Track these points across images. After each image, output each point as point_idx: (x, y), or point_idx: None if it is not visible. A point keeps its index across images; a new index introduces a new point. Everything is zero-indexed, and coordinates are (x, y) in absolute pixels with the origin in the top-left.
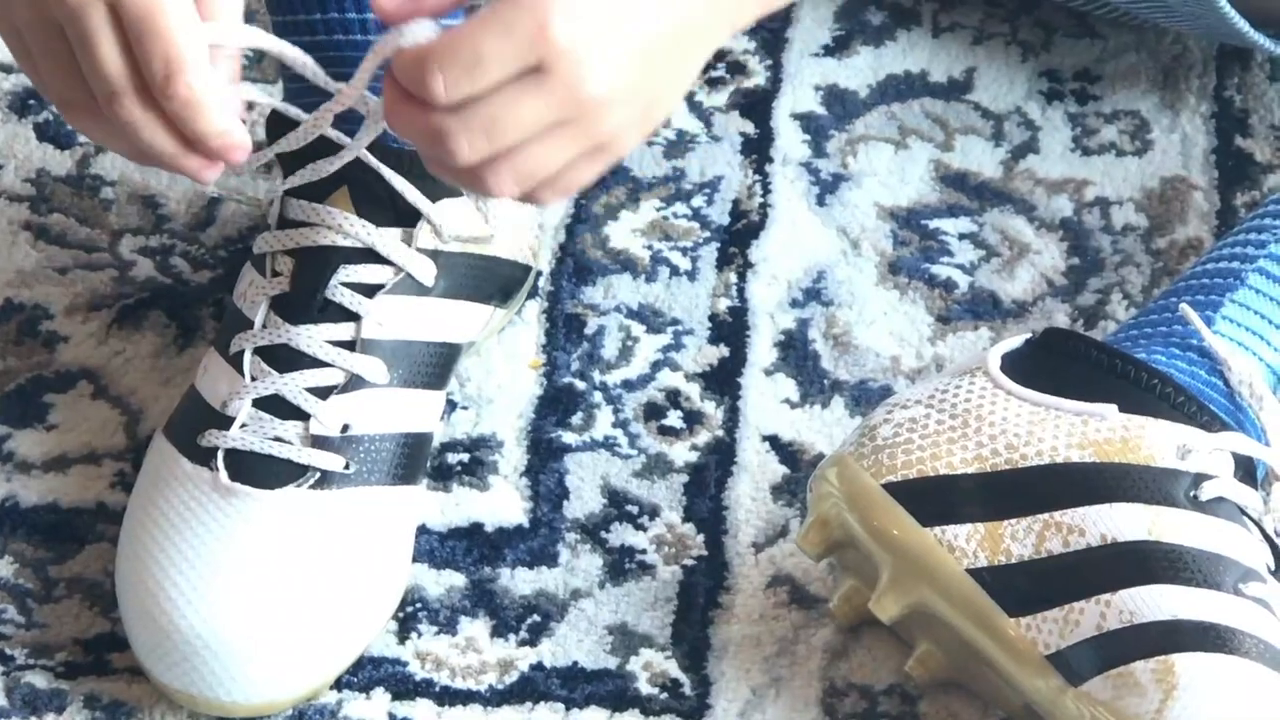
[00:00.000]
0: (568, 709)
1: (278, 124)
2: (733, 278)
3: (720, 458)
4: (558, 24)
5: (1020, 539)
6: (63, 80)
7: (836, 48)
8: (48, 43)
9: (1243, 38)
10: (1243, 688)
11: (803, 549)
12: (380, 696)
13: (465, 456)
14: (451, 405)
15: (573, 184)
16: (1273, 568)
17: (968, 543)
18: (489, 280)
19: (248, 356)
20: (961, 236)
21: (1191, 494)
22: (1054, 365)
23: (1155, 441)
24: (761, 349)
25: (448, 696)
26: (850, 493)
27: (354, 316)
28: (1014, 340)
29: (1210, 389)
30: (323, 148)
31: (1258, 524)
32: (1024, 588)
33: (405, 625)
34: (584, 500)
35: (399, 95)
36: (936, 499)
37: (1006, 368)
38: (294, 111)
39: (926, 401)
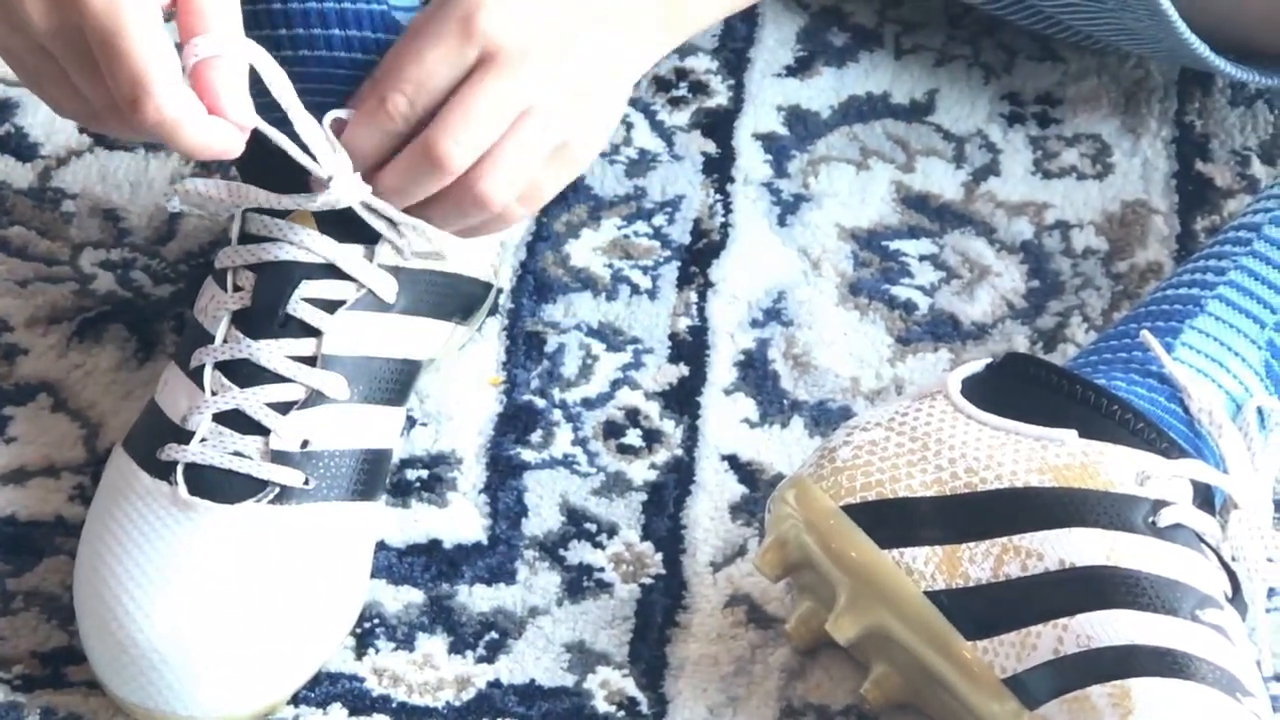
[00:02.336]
0: None
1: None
2: (693, 297)
3: (679, 477)
4: (487, 15)
5: (978, 562)
6: (69, 98)
7: (799, 68)
8: (47, 67)
9: (1204, 62)
10: (1199, 713)
11: (760, 570)
12: (337, 712)
13: (424, 473)
14: (411, 422)
15: (547, 190)
16: (1230, 595)
17: (926, 565)
18: (450, 297)
19: (208, 371)
20: (922, 258)
21: (1150, 520)
22: (1014, 390)
23: (1114, 467)
24: (721, 368)
25: (405, 713)
26: (809, 514)
27: (315, 332)
28: (974, 364)
29: (1170, 416)
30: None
31: (1215, 551)
32: (981, 611)
33: (363, 641)
34: (543, 518)
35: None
36: (895, 522)
37: (967, 391)
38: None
39: (886, 424)
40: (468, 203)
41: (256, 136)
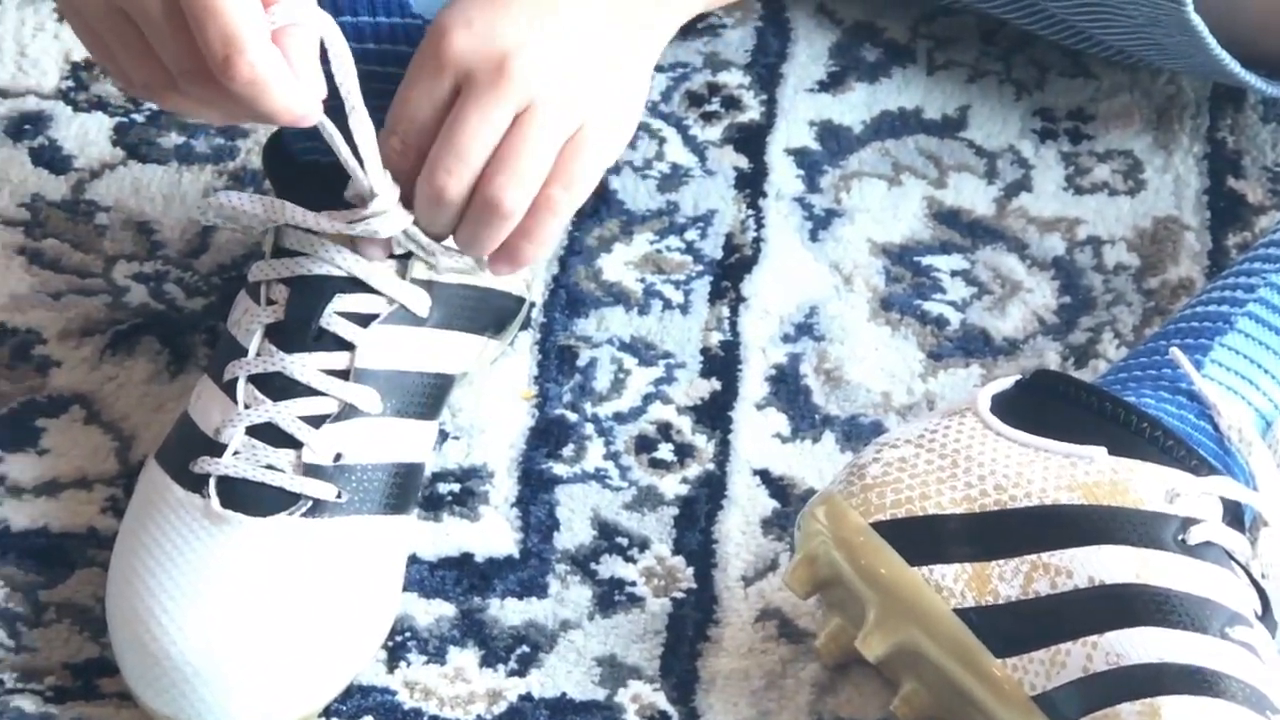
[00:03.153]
0: None
1: (274, 152)
2: (725, 311)
3: (710, 491)
4: (456, 35)
5: (1008, 580)
6: (142, 65)
7: (831, 84)
8: (120, 32)
9: (1234, 77)
10: None
11: (790, 587)
12: None
13: (456, 487)
14: (443, 435)
15: (578, 178)
16: (1259, 612)
17: (955, 583)
18: (482, 311)
19: (241, 384)
20: (954, 274)
21: (1179, 538)
22: (1043, 407)
23: (1144, 485)
24: (753, 383)
25: None
26: (838, 531)
27: (348, 346)
28: (1004, 381)
29: (1199, 433)
30: (316, 182)
31: (1245, 568)
32: (1011, 628)
33: (394, 654)
34: (574, 532)
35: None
36: (924, 539)
37: (996, 408)
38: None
39: (916, 441)
40: (480, 209)
41: (292, 151)
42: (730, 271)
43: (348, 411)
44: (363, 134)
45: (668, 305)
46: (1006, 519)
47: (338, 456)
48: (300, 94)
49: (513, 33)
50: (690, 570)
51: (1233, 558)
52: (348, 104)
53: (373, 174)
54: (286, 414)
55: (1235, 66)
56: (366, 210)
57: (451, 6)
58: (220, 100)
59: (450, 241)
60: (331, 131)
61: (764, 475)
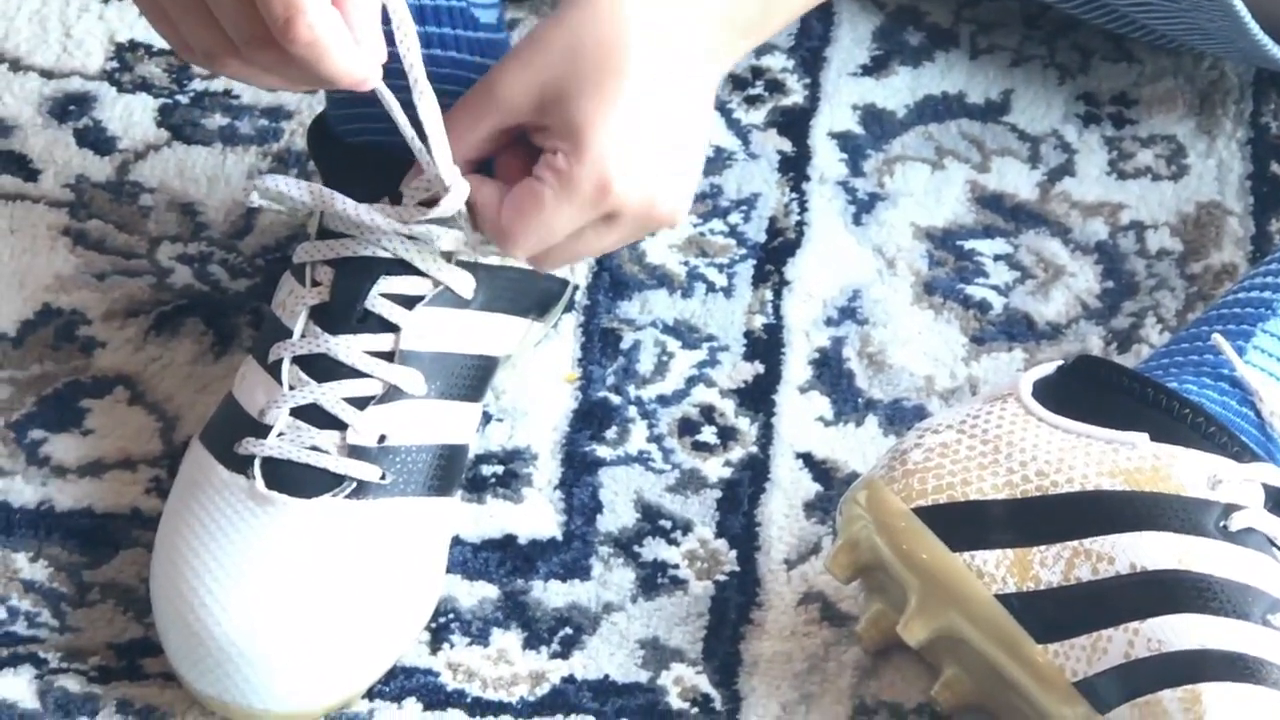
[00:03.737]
0: None
1: (319, 133)
2: (768, 295)
3: (753, 474)
4: (620, 184)
5: (1049, 566)
6: (203, 33)
7: (875, 68)
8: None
9: (1276, 63)
10: (1270, 717)
11: (831, 571)
12: (412, 706)
13: (500, 469)
14: (487, 417)
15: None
16: None
17: (997, 568)
18: (526, 294)
19: (286, 365)
20: (996, 258)
21: (1221, 524)
22: (1085, 393)
23: (1186, 471)
24: (796, 366)
25: (479, 708)
26: (880, 516)
27: (393, 328)
28: (1046, 367)
29: (1241, 419)
30: (362, 163)
31: None
32: (1052, 614)
33: (438, 636)
34: (617, 514)
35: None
36: (966, 524)
37: (1038, 394)
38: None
39: (958, 427)
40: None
41: (337, 133)
42: (773, 255)
43: (392, 393)
44: (430, 118)
45: (711, 288)
46: (1048, 505)
47: (382, 438)
48: (360, 58)
49: (657, 178)
50: (733, 553)
51: (1275, 544)
52: (411, 78)
53: (441, 163)
54: (331, 395)
55: (1277, 51)
56: (431, 212)
57: (607, 147)
58: (281, 66)
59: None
60: (390, 102)
61: (807, 458)
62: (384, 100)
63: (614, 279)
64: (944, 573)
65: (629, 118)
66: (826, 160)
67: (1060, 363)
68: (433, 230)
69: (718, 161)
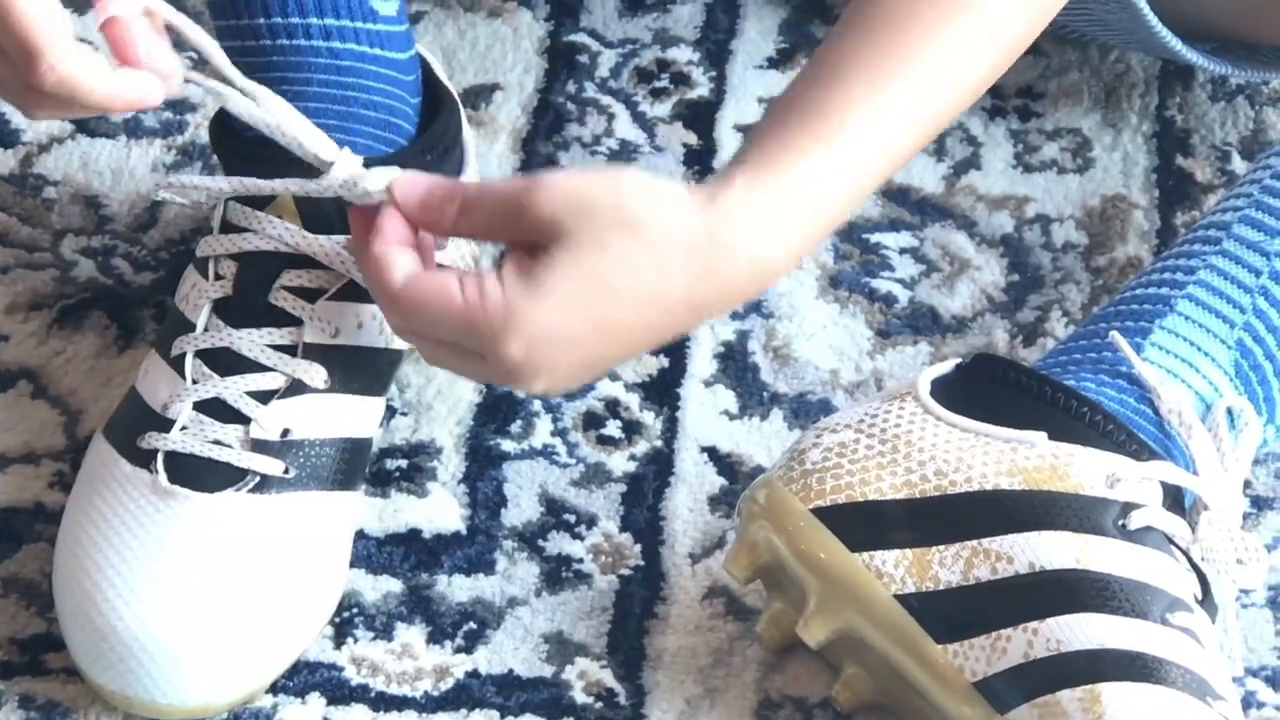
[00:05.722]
0: (503, 716)
1: (220, 127)
2: None
3: (658, 468)
4: (510, 347)
5: (948, 566)
6: None
7: (781, 60)
8: None
9: (1175, 54)
10: (1169, 717)
11: (730, 572)
12: (316, 701)
13: (404, 463)
14: (391, 411)
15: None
16: (1199, 597)
17: (896, 568)
18: None
19: (189, 359)
20: (902, 251)
21: (1120, 523)
22: (984, 391)
23: (1084, 470)
24: (701, 360)
25: (383, 702)
26: (778, 517)
27: (296, 321)
28: (944, 365)
29: (1139, 417)
30: (263, 156)
31: (1185, 553)
32: (952, 614)
33: (341, 630)
34: (522, 508)
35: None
36: (865, 524)
37: (936, 393)
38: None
39: (856, 426)
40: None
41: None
42: None
43: (296, 387)
44: (281, 114)
45: None
46: (947, 505)
47: (285, 432)
48: (124, 83)
49: (560, 382)
50: (637, 547)
51: (1173, 542)
52: (228, 75)
53: (319, 146)
54: (234, 389)
55: (1176, 43)
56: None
57: (541, 334)
58: (55, 105)
59: None
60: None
61: (712, 452)
62: (227, 104)
63: None
64: (843, 573)
65: (590, 314)
66: (732, 153)
67: (958, 360)
68: (357, 174)
69: (623, 154)
